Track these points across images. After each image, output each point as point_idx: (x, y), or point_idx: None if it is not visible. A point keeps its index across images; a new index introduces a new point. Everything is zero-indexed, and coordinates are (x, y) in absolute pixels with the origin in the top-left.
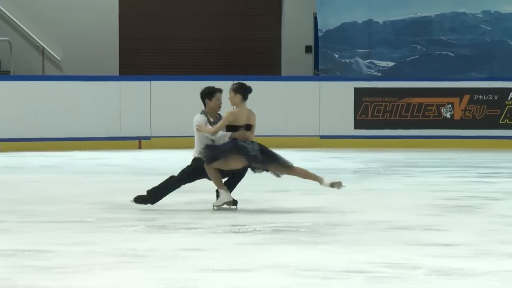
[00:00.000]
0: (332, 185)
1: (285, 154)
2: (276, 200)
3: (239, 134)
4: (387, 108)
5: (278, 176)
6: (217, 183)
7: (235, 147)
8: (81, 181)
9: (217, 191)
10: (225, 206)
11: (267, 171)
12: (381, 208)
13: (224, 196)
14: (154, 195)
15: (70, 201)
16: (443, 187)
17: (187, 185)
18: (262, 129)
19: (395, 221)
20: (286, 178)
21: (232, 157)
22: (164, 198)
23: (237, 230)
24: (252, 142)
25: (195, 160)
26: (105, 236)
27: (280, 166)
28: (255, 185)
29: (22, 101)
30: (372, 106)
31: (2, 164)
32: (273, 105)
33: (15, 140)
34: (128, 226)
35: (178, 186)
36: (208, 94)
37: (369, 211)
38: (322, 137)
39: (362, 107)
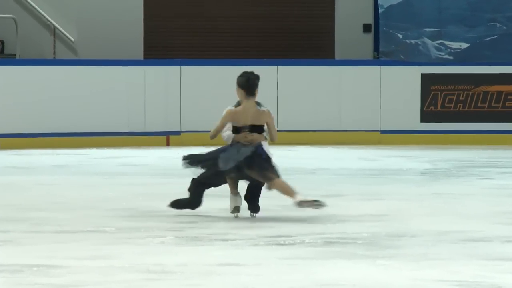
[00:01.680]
0: (301, 204)
1: (339, 152)
2: (328, 207)
3: (240, 136)
4: (460, 98)
5: (268, 189)
6: (229, 183)
7: (216, 156)
8: (99, 183)
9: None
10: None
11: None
12: (452, 216)
13: (232, 200)
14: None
15: (86, 208)
16: None
17: (223, 189)
18: (311, 123)
19: (469, 232)
20: (341, 180)
21: (209, 168)
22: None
23: (282, 242)
24: (254, 146)
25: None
26: (127, 248)
27: (261, 177)
28: (303, 188)
29: (30, 89)
30: (442, 95)
31: (6, 164)
32: (324, 95)
33: (21, 135)
34: (154, 237)
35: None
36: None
37: (438, 219)
38: (383, 132)
39: (430, 97)
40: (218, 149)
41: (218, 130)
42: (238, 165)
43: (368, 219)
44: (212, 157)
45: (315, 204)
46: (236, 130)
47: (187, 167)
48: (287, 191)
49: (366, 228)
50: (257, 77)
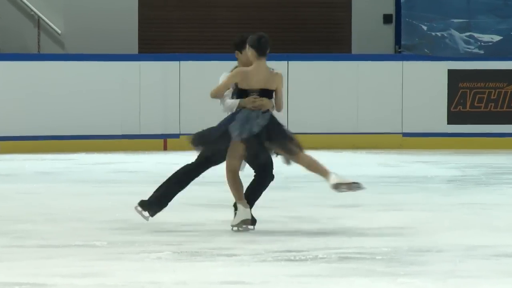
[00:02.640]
0: (337, 186)
1: (356, 157)
2: (343, 218)
3: (247, 100)
4: (492, 97)
5: (288, 163)
6: (235, 192)
7: (226, 124)
8: (88, 192)
9: (234, 205)
10: (243, 226)
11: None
12: (483, 228)
13: (242, 212)
14: (163, 194)
15: (75, 219)
16: None
17: (227, 198)
18: (324, 124)
19: (502, 246)
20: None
21: (222, 142)
22: (188, 211)
23: (292, 258)
24: (263, 113)
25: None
26: (120, 265)
27: (286, 150)
28: (315, 198)
29: (11, 87)
30: (471, 94)
31: None
32: (340, 93)
33: (2, 139)
34: (150, 252)
35: (197, 175)
36: (239, 45)
37: (467, 232)
38: (406, 135)
39: (458, 96)
40: (222, 122)
41: (221, 91)
42: (257, 135)
43: (389, 232)
44: (222, 131)
45: (354, 186)
46: (243, 93)
47: (198, 149)
48: (318, 168)
49: (386, 242)
50: (267, 38)
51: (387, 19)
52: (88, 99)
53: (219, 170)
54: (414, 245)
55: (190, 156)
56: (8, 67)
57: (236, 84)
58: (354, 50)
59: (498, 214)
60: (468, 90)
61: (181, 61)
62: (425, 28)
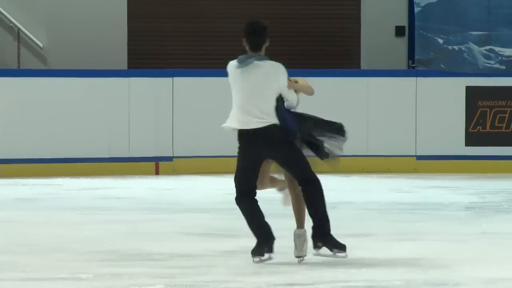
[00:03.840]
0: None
1: (366, 182)
2: (352, 249)
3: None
4: None
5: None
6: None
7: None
8: (73, 221)
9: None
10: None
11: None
12: (504, 260)
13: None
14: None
15: (58, 250)
16: None
17: (224, 227)
18: None
19: None
20: (368, 217)
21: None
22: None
23: None
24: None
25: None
26: None
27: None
28: None
29: None
30: (492, 113)
31: None
32: (348, 112)
33: None
34: (141, 286)
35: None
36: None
37: (487, 264)
38: (420, 158)
39: (477, 115)
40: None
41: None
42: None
43: (402, 263)
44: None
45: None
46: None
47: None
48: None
49: (399, 275)
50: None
51: (399, 31)
52: (73, 118)
53: (216, 197)
54: (429, 278)
55: (184, 181)
56: None
57: None
58: (364, 66)
59: None
60: (488, 109)
61: (174, 77)
62: (441, 41)
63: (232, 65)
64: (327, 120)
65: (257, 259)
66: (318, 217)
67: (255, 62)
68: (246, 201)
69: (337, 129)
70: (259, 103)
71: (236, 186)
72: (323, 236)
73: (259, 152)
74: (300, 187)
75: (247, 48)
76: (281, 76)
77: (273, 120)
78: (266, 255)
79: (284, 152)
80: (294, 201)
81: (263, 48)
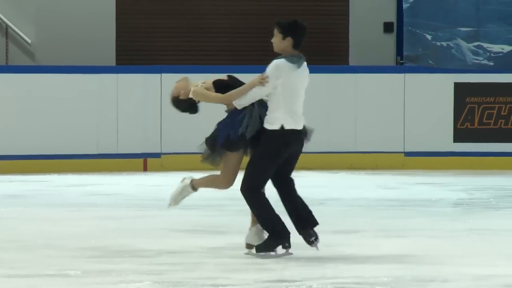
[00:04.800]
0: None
1: (354, 178)
2: (340, 245)
3: None
4: (502, 113)
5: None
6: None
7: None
8: (61, 217)
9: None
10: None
11: None
12: (492, 256)
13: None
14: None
15: (46, 246)
16: None
17: (213, 223)
18: (320, 143)
19: None
20: (356, 213)
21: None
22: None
23: None
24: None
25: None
26: None
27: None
28: None
29: None
30: (480, 109)
31: None
32: (336, 108)
33: None
34: (129, 282)
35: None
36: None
37: (475, 261)
38: (408, 154)
39: (465, 111)
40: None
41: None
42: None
43: (390, 260)
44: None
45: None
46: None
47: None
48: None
49: (387, 271)
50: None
51: (388, 27)
52: (61, 115)
53: (204, 194)
54: (417, 274)
55: (172, 177)
56: None
57: None
58: (352, 62)
59: (509, 240)
60: (476, 105)
61: (163, 74)
62: (429, 37)
63: (286, 65)
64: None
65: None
66: (306, 209)
67: (304, 63)
68: (263, 196)
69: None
70: (302, 103)
71: (258, 179)
72: (313, 224)
73: (292, 151)
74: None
75: (288, 46)
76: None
77: None
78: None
79: (301, 152)
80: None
81: None
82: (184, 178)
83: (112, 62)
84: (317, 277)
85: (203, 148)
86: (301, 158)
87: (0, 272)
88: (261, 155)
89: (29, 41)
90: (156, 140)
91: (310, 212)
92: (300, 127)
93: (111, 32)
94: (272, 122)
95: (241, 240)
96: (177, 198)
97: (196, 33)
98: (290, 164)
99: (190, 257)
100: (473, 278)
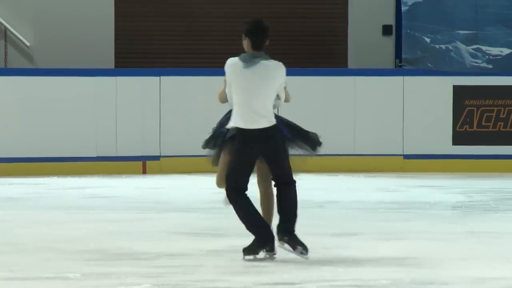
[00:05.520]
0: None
1: (353, 181)
2: (339, 248)
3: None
4: (501, 115)
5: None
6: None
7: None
8: (60, 220)
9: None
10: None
11: None
12: (491, 259)
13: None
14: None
15: (46, 249)
16: None
17: (212, 226)
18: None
19: None
20: (355, 216)
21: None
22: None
23: None
24: None
25: None
26: None
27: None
28: (309, 226)
29: None
30: (479, 112)
31: None
32: (335, 111)
33: None
34: (128, 285)
35: None
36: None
37: (474, 263)
38: (407, 157)
39: (464, 114)
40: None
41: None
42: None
43: (389, 263)
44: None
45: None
46: None
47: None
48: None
49: (386, 274)
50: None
51: (386, 30)
52: (60, 117)
53: (203, 197)
54: (416, 277)
55: (171, 180)
56: None
57: None
58: (351, 64)
59: (508, 243)
60: (475, 108)
61: (161, 76)
62: (428, 40)
63: (235, 63)
64: (304, 130)
65: (250, 257)
66: (292, 213)
67: (262, 61)
68: (243, 198)
69: (312, 141)
70: (265, 102)
71: (231, 183)
72: (290, 231)
73: (260, 151)
74: (272, 187)
75: (248, 47)
76: (284, 76)
77: (274, 119)
78: (262, 254)
79: (278, 152)
80: (265, 199)
81: (263, 47)
82: None
83: (110, 65)
84: (315, 280)
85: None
86: (299, 161)
87: (0, 275)
88: (231, 155)
89: (27, 44)
90: (155, 142)
91: (288, 220)
92: (257, 126)
93: (109, 35)
94: (230, 121)
95: (241, 243)
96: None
97: (195, 36)
98: (273, 163)
99: (190, 259)
100: (472, 280)
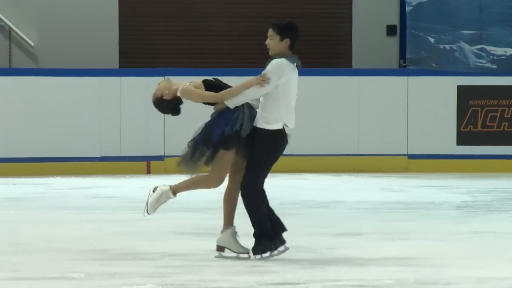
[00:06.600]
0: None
1: (357, 181)
2: (343, 248)
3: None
4: (505, 115)
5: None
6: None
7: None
8: (64, 220)
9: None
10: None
11: None
12: (495, 259)
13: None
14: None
15: (50, 249)
16: None
17: (216, 226)
18: (323, 146)
19: None
20: (359, 216)
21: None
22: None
23: None
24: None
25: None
26: None
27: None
28: (313, 226)
29: None
30: (483, 112)
31: None
32: (339, 111)
33: None
34: (132, 285)
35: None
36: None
37: (478, 263)
38: (411, 157)
39: (468, 114)
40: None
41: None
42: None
43: (393, 263)
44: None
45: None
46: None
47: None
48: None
49: (390, 273)
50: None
51: (391, 30)
52: (64, 117)
53: (207, 196)
54: (420, 277)
55: (175, 180)
56: None
57: None
58: (355, 64)
59: None
60: (479, 108)
61: (165, 76)
62: (432, 40)
63: (288, 65)
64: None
65: (267, 254)
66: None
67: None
68: (263, 203)
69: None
70: None
71: (262, 181)
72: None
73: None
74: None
75: (285, 48)
76: None
77: None
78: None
79: None
80: (234, 196)
81: None
82: (156, 187)
83: (115, 65)
84: (319, 280)
85: (185, 152)
86: (304, 161)
87: (3, 275)
88: (263, 156)
89: (32, 44)
90: (159, 142)
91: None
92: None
93: (114, 35)
94: (271, 122)
95: (244, 243)
96: (155, 205)
97: (199, 36)
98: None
99: (193, 259)
100: (476, 280)
